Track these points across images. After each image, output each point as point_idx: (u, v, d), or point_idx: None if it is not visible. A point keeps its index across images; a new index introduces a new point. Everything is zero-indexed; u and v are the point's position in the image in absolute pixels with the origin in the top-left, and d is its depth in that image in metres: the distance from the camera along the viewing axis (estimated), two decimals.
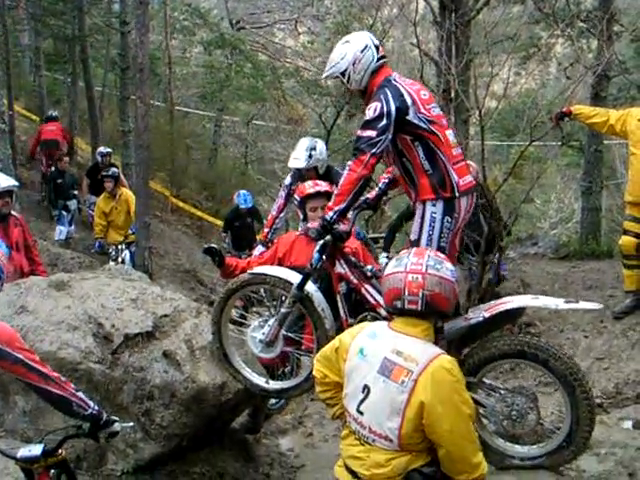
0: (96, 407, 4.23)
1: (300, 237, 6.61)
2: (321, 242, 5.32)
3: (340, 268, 5.54)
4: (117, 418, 4.44)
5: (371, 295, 5.40)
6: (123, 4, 21.45)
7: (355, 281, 5.50)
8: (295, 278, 5.50)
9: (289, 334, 5.67)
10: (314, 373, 4.34)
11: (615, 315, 8.99)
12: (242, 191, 14.86)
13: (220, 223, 19.71)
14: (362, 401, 3.93)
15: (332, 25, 26.31)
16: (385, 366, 3.86)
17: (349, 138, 21.60)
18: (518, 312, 5.42)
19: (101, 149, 17.27)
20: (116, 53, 23.93)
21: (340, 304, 5.58)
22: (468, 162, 6.21)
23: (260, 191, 23.88)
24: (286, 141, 24.54)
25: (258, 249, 8.32)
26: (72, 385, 4.20)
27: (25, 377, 3.97)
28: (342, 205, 5.13)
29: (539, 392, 5.77)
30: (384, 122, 4.98)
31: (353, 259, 5.64)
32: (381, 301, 5.09)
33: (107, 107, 29.07)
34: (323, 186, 6.57)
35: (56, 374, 4.09)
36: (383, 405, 3.83)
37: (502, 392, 5.11)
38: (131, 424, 4.94)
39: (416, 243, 5.16)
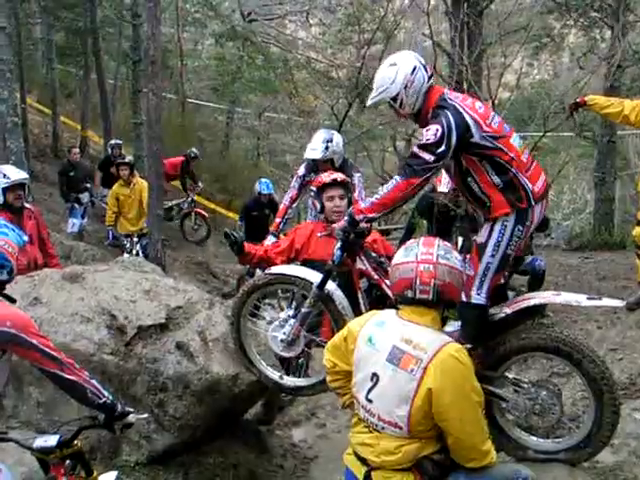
0: (110, 397, 4.25)
1: (318, 230, 6.55)
2: (342, 241, 5.27)
3: (361, 264, 5.51)
4: (132, 409, 4.46)
5: None
6: None
7: (376, 277, 5.48)
8: (315, 277, 5.47)
9: (312, 337, 5.65)
10: (324, 362, 4.36)
11: (628, 306, 8.96)
12: (263, 179, 14.86)
13: (232, 215, 19.73)
14: (371, 389, 3.96)
15: (343, 16, 26.29)
16: (394, 354, 3.89)
17: (361, 130, 21.62)
18: (540, 308, 5.36)
19: (111, 141, 17.39)
20: (128, 45, 23.93)
21: (361, 300, 5.57)
22: None
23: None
24: (298, 133, 24.52)
25: (269, 239, 8.31)
26: (86, 372, 4.22)
27: (40, 363, 4.00)
28: (375, 215, 5.09)
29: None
30: (443, 148, 4.78)
31: (374, 254, 5.62)
32: None
33: (119, 100, 29.12)
34: (340, 175, 6.54)
35: (70, 361, 4.12)
36: (392, 393, 3.86)
37: (526, 386, 5.07)
38: (146, 415, 4.97)
39: (482, 248, 5.03)
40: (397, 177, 4.96)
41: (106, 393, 4.23)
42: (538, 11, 17.15)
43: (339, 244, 5.30)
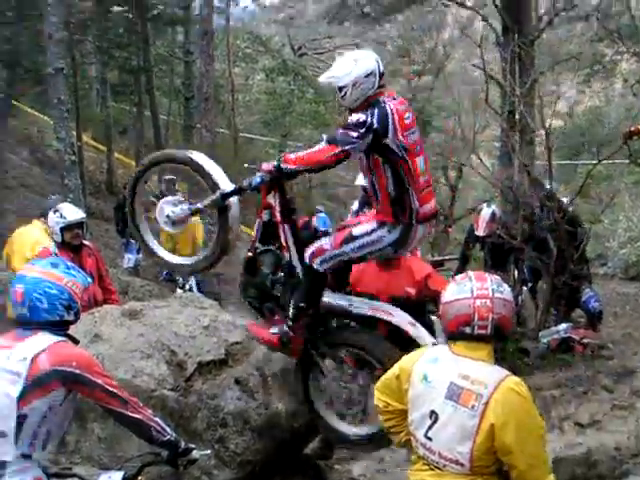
0: (174, 434, 4.28)
1: (371, 264, 6.63)
2: (266, 170, 5.43)
3: (271, 199, 5.71)
4: (194, 446, 4.48)
5: (285, 235, 5.67)
6: (186, 34, 21.79)
7: (279, 218, 5.70)
8: (226, 186, 5.74)
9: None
10: (375, 402, 4.35)
11: None
12: (321, 214, 14.96)
13: None
14: (430, 427, 3.92)
15: (393, 49, 26.43)
16: (452, 391, 3.86)
17: None
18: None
19: (165, 176, 17.59)
20: (180, 82, 24.31)
21: (256, 227, 5.91)
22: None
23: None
24: (349, 165, 24.54)
25: None
26: (149, 410, 4.26)
27: (104, 402, 4.04)
28: (294, 168, 5.33)
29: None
30: (363, 130, 5.11)
31: (289, 197, 5.81)
32: (291, 246, 5.63)
33: (172, 136, 29.51)
34: None
35: (134, 399, 4.15)
36: (453, 430, 3.82)
37: (349, 371, 5.59)
38: (209, 452, 4.97)
39: (352, 239, 5.40)
40: (323, 142, 5.28)
41: (169, 430, 4.25)
42: (589, 39, 17.11)
43: (261, 175, 5.44)
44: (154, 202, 6.31)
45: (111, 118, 25.07)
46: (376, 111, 5.19)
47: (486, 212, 10.20)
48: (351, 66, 5.36)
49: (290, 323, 5.55)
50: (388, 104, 5.29)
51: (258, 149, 32.55)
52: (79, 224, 8.04)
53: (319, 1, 52.80)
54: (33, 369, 3.87)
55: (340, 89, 5.39)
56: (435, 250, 16.72)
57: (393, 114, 5.24)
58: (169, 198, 6.10)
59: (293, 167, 5.33)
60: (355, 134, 5.12)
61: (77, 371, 3.94)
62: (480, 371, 3.87)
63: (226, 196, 5.69)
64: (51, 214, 7.97)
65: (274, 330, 5.65)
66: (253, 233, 5.96)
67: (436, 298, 6.22)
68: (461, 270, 10.46)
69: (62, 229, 7.90)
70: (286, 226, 5.68)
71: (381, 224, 5.34)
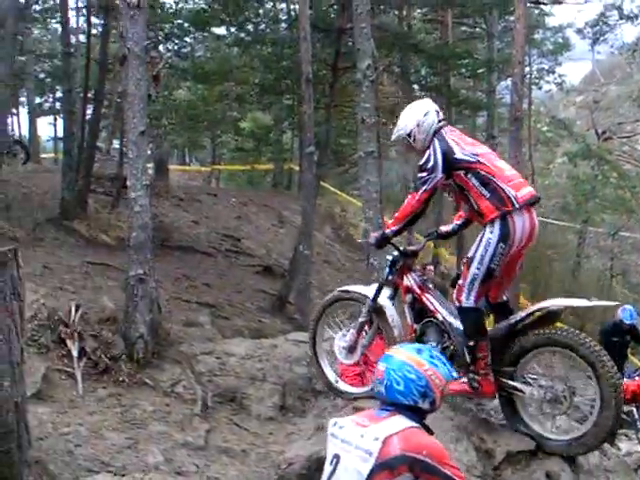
0: None
1: None
2: (390, 259, 6.36)
3: (407, 281, 6.32)
4: None
5: (429, 302, 6.17)
6: (490, 119, 22.00)
7: (418, 291, 6.25)
8: (371, 292, 6.37)
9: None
10: None
11: None
12: (628, 306, 14.19)
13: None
14: None
15: None
16: None
17: None
18: (554, 315, 5.93)
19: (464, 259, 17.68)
20: None
21: (407, 311, 6.33)
22: None
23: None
24: None
25: None
26: None
27: None
28: (396, 227, 6.10)
29: None
30: (431, 163, 5.78)
31: (418, 273, 6.41)
32: (438, 307, 6.09)
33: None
34: None
35: None
36: None
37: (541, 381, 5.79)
38: None
39: (470, 260, 5.79)
40: (409, 196, 6.01)
41: None
42: None
43: (388, 264, 6.38)
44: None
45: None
46: (436, 140, 5.87)
47: None
48: (408, 114, 6.15)
49: (472, 367, 5.85)
50: (447, 132, 5.95)
51: (554, 234, 32.00)
52: None
53: (623, 83, 51.59)
54: (384, 451, 3.95)
55: (409, 136, 6.10)
56: None
57: (451, 136, 5.91)
58: (338, 334, 6.69)
59: (395, 228, 6.10)
60: (425, 174, 5.80)
61: (427, 460, 3.97)
62: None
63: (374, 299, 6.32)
64: None
65: (463, 380, 5.94)
66: (407, 321, 6.34)
67: None
68: None
69: None
70: (427, 295, 6.23)
71: (484, 227, 5.72)
